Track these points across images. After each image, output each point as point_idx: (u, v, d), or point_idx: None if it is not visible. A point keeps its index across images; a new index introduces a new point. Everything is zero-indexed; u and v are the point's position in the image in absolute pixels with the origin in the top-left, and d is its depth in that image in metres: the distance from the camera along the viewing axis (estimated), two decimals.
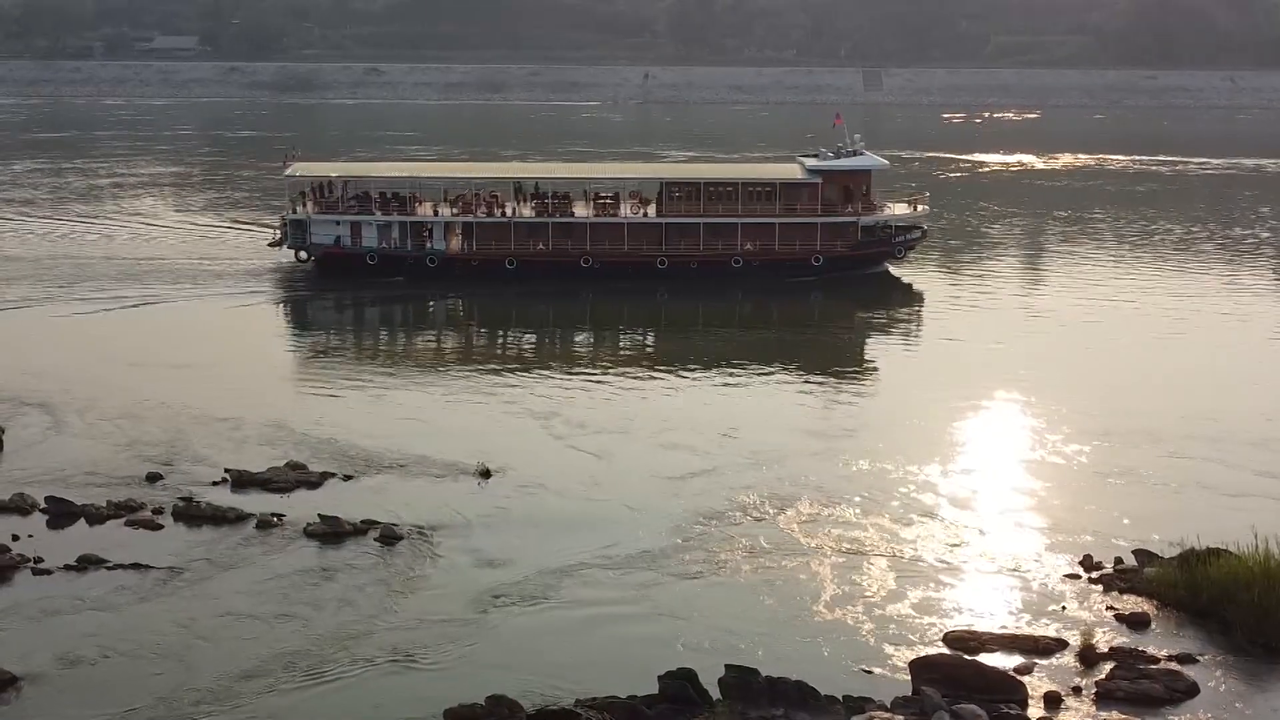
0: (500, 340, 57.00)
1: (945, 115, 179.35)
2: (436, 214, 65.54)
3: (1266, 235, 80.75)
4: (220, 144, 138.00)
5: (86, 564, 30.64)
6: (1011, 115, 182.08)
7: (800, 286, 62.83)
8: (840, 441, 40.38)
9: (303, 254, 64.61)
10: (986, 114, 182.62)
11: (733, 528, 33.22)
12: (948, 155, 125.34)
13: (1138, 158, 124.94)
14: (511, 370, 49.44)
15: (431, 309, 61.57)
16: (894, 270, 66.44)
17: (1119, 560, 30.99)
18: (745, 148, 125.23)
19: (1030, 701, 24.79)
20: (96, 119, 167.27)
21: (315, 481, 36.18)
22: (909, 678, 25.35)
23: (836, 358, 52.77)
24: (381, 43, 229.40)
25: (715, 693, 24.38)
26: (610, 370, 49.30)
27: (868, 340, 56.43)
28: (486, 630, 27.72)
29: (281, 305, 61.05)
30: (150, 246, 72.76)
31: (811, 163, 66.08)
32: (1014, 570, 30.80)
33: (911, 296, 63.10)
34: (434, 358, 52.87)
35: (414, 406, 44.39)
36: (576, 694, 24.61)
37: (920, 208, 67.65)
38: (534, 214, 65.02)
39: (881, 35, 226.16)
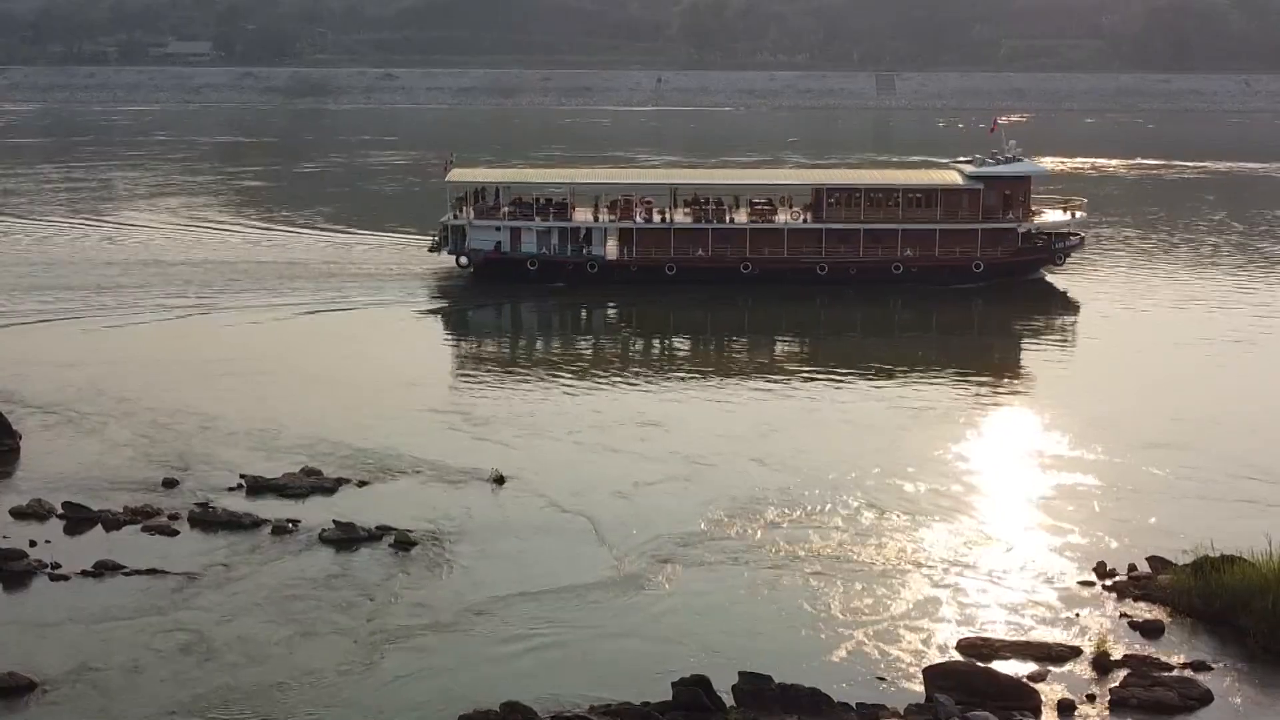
0: (636, 345, 56.85)
1: (940, 121, 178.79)
2: (597, 219, 65.54)
3: None
4: (287, 149, 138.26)
5: (103, 569, 30.83)
6: (1012, 119, 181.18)
7: (960, 293, 62.53)
8: (865, 447, 40.27)
9: (463, 259, 64.79)
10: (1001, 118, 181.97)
11: (747, 534, 33.26)
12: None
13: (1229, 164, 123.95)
14: (621, 375, 49.81)
15: (585, 313, 61.86)
16: (1050, 277, 65.88)
17: (1133, 567, 30.96)
18: (725, 151, 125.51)
19: (1044, 708, 24.81)
20: (127, 125, 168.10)
21: (330, 487, 36.31)
22: (922, 685, 25.38)
23: (960, 367, 51.65)
24: (394, 48, 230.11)
25: (729, 700, 24.46)
26: (721, 375, 49.78)
27: (1012, 349, 55.98)
28: (500, 636, 27.80)
29: (437, 312, 61.15)
30: (307, 252, 73.09)
31: (971, 169, 65.73)
32: (1028, 577, 30.80)
33: (1066, 304, 62.71)
34: (559, 362, 52.50)
35: (465, 413, 44.16)
36: (590, 700, 24.72)
37: (1078, 213, 67.22)
38: (691, 220, 65.03)
39: (894, 39, 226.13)
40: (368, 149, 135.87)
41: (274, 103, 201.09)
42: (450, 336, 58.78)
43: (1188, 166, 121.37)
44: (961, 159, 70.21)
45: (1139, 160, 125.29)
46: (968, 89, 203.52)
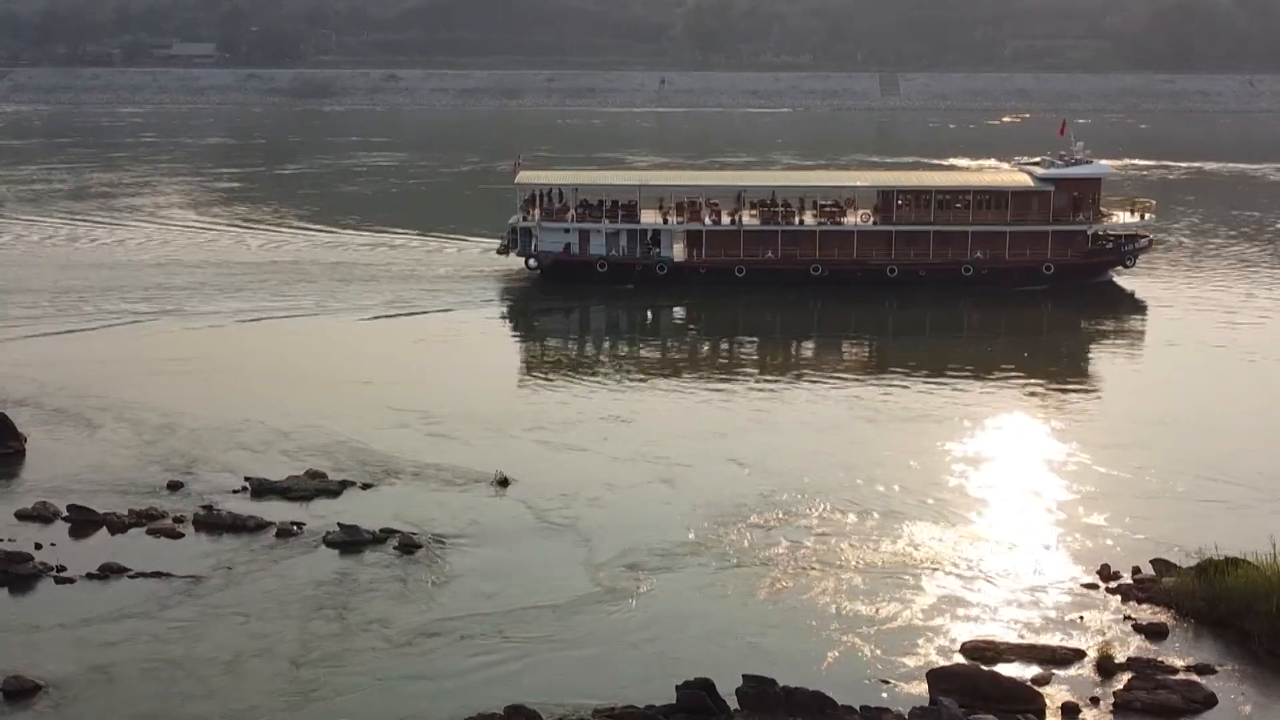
0: (703, 348, 56.59)
1: (931, 122, 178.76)
2: (665, 221, 65.45)
3: None
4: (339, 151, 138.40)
5: (108, 572, 30.87)
6: (1007, 119, 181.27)
7: (1030, 296, 62.26)
8: (881, 448, 40.32)
9: (532, 261, 64.83)
10: (1004, 119, 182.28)
11: (752, 538, 33.25)
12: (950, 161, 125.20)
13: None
14: (677, 378, 49.75)
15: (653, 316, 61.59)
16: (1118, 279, 65.50)
17: (1137, 570, 30.96)
18: (725, 151, 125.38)
19: (1048, 712, 24.81)
20: (129, 126, 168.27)
21: (335, 490, 36.35)
22: (926, 688, 25.39)
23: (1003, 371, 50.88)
24: (397, 49, 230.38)
25: (733, 703, 24.48)
26: (788, 378, 49.60)
27: (1070, 353, 55.61)
28: (504, 640, 27.81)
29: (505, 315, 61.24)
30: (378, 254, 73.15)
31: (1041, 171, 65.46)
32: (1032, 580, 30.78)
33: (1132, 307, 62.40)
34: (616, 364, 52.53)
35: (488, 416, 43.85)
36: (594, 704, 24.73)
37: (1147, 215, 67.03)
38: (760, 222, 64.90)
39: (898, 40, 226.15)
40: (392, 149, 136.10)
41: (278, 104, 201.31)
42: (514, 337, 58.59)
43: (1179, 167, 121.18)
44: (1029, 161, 69.42)
45: (1129, 160, 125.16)
46: (972, 89, 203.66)
